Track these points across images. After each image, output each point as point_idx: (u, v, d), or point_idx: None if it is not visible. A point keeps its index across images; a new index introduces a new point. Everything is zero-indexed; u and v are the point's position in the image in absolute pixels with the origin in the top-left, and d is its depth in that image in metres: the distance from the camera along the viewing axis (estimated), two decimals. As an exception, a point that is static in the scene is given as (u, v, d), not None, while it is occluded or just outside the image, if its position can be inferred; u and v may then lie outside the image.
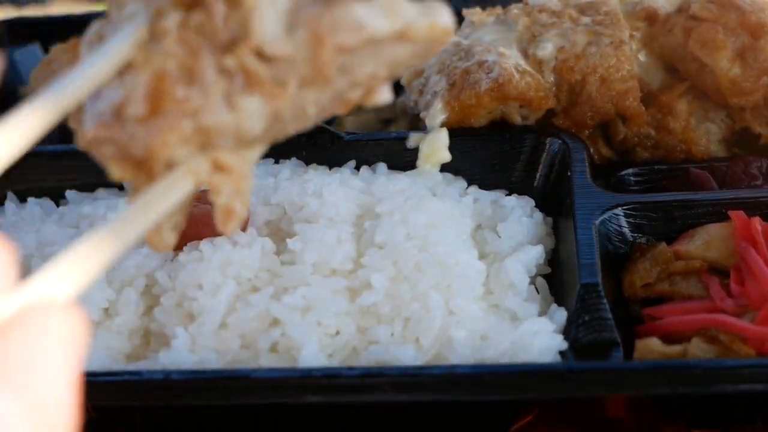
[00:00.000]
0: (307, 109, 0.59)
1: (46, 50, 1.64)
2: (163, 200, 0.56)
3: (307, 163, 1.26)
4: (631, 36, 1.32)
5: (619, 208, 1.14)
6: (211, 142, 0.58)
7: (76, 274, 0.49)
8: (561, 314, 1.03)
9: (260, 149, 0.63)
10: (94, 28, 0.62)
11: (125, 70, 0.58)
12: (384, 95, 0.61)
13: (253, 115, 0.57)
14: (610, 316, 1.00)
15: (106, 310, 1.07)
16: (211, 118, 0.57)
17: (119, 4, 0.62)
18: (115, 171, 0.59)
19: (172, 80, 0.57)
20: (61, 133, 1.47)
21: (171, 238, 0.62)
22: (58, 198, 1.29)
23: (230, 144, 0.58)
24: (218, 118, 0.57)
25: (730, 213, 1.09)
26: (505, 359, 0.99)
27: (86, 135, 0.58)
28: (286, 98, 0.57)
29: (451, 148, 1.22)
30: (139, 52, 0.58)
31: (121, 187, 1.30)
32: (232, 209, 0.61)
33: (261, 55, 0.57)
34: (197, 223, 1.12)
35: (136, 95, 0.57)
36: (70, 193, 1.29)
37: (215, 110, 0.57)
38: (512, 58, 1.28)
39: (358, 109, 1.37)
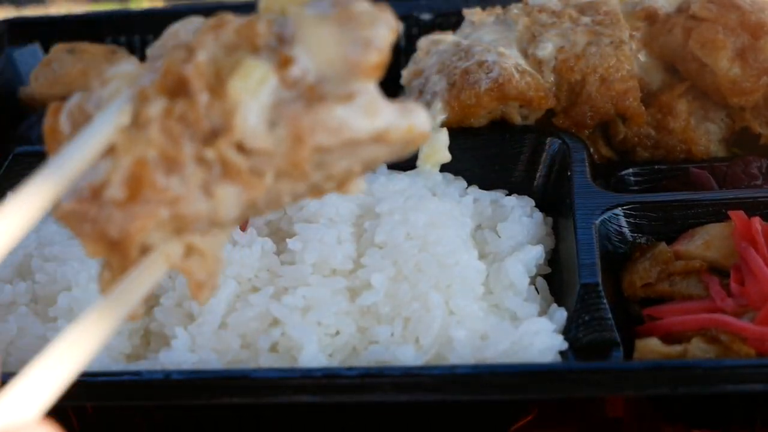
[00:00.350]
0: (281, 197, 0.61)
1: (46, 50, 1.64)
2: (139, 288, 0.58)
3: (307, 163, 1.26)
4: (631, 36, 1.32)
5: (619, 208, 1.14)
6: (186, 227, 0.59)
7: (52, 381, 0.50)
8: (561, 314, 1.03)
9: (231, 230, 0.64)
10: (75, 99, 0.63)
11: (107, 150, 0.59)
12: (358, 187, 0.63)
13: (229, 203, 0.59)
14: (610, 316, 1.00)
15: (106, 310, 1.07)
16: (189, 207, 0.58)
17: (103, 80, 0.62)
18: (89, 249, 0.59)
19: (152, 168, 0.58)
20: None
21: (141, 308, 0.63)
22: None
23: (204, 228, 0.59)
24: (195, 206, 0.58)
25: (730, 213, 1.09)
26: (505, 359, 0.99)
27: (63, 208, 0.59)
28: (262, 188, 0.59)
29: (451, 148, 1.22)
30: (121, 134, 0.59)
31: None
32: (203, 283, 0.62)
33: (241, 147, 0.58)
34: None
35: (116, 178, 0.58)
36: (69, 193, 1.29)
37: (193, 199, 0.58)
38: (512, 58, 1.28)
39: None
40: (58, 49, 1.60)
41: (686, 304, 1.04)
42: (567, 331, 1.01)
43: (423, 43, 1.38)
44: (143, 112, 0.58)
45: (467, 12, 1.42)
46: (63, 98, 1.61)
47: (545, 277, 1.13)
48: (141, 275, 0.58)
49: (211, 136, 0.58)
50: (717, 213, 1.12)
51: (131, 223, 0.57)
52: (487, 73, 1.25)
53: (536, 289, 1.11)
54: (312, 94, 0.58)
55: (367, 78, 0.58)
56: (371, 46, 0.58)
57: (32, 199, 0.53)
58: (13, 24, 1.70)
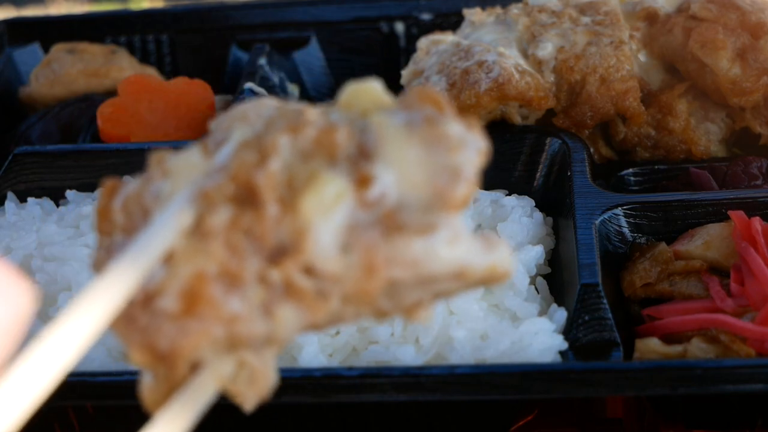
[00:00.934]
0: (344, 318, 0.56)
1: (46, 50, 1.64)
2: (190, 411, 0.54)
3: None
4: (631, 36, 1.32)
5: (619, 208, 1.14)
6: (240, 346, 0.54)
7: None
8: (561, 314, 1.03)
9: (284, 347, 0.59)
10: (133, 187, 0.57)
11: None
12: (427, 317, 0.57)
13: (289, 324, 0.54)
14: (610, 316, 1.00)
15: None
16: (246, 327, 0.53)
17: (164, 170, 0.56)
18: (135, 357, 0.54)
19: (211, 283, 0.53)
20: (61, 133, 1.47)
21: None
22: (58, 198, 1.29)
23: (258, 346, 0.55)
24: (253, 327, 0.53)
25: (730, 213, 1.09)
26: (505, 359, 0.99)
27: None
28: (326, 312, 0.54)
29: (451, 148, 1.22)
30: (181, 240, 0.54)
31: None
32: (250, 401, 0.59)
33: (308, 270, 0.53)
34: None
35: (171, 288, 0.53)
36: (70, 193, 1.29)
37: (251, 319, 0.53)
38: (512, 58, 1.28)
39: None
40: (58, 49, 1.60)
41: (686, 304, 1.04)
42: (567, 331, 1.01)
43: (423, 43, 1.38)
44: (207, 221, 0.53)
45: (467, 12, 1.42)
46: (63, 98, 1.60)
47: (545, 277, 1.13)
48: (190, 399, 0.54)
49: (277, 254, 0.53)
50: (717, 213, 1.12)
51: (183, 340, 0.53)
52: (487, 73, 1.25)
53: (536, 289, 1.11)
54: (390, 221, 0.53)
55: (451, 210, 0.53)
56: (460, 177, 0.53)
57: (95, 309, 0.49)
58: (13, 24, 1.70)
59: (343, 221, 0.53)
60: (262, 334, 0.54)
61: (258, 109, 0.58)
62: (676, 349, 0.99)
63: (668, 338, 1.01)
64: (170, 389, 0.56)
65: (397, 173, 0.53)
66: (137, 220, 0.56)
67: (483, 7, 1.44)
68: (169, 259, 0.53)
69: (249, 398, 0.56)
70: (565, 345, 1.00)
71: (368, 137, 0.54)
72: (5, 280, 0.38)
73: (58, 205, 1.28)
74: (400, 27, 1.67)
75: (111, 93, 1.45)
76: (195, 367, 0.55)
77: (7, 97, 1.60)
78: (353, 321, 0.56)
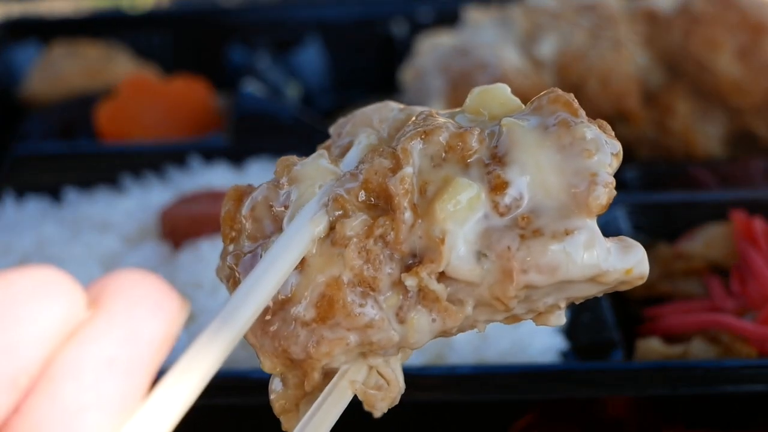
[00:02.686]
0: (476, 324, 0.55)
1: (45, 50, 1.64)
2: (327, 422, 0.53)
3: (307, 162, 1.26)
4: (631, 36, 1.32)
5: (619, 208, 1.14)
6: (372, 352, 0.54)
7: None
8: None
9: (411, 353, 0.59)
10: (261, 193, 0.57)
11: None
12: (560, 320, 0.57)
13: (422, 330, 0.53)
14: (610, 316, 1.00)
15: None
16: (379, 333, 0.53)
17: (291, 177, 0.56)
18: (267, 363, 0.54)
19: (346, 291, 0.53)
20: (60, 132, 1.47)
21: None
22: (57, 197, 1.29)
23: (389, 353, 0.55)
24: (386, 333, 0.53)
25: (730, 213, 1.09)
26: (505, 359, 0.99)
27: None
28: (460, 318, 0.53)
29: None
30: (314, 247, 0.53)
31: (120, 187, 1.30)
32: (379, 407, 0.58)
33: (443, 276, 0.53)
34: (197, 223, 1.12)
35: (305, 295, 0.53)
36: (69, 193, 1.28)
37: (385, 326, 0.53)
38: (511, 59, 1.28)
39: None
40: (58, 48, 1.60)
41: (687, 304, 1.04)
42: (567, 331, 1.01)
43: (423, 43, 1.38)
44: (341, 227, 0.53)
45: (467, 12, 1.42)
46: (62, 97, 1.60)
47: (545, 277, 1.13)
48: (327, 407, 0.54)
49: (412, 260, 0.53)
50: (717, 213, 1.12)
51: (317, 347, 0.52)
52: (486, 74, 1.25)
53: (536, 289, 1.11)
54: (526, 226, 0.52)
55: (589, 215, 0.52)
56: (598, 181, 0.52)
57: (238, 318, 0.48)
58: (12, 23, 1.70)
59: (479, 227, 0.52)
60: (395, 341, 0.53)
61: (381, 112, 0.58)
62: (677, 349, 0.99)
63: (669, 338, 1.01)
64: (300, 396, 0.56)
65: (532, 177, 0.53)
66: (267, 227, 0.56)
67: (483, 8, 1.44)
68: (302, 266, 0.53)
69: (380, 405, 0.56)
70: (565, 345, 1.00)
71: (500, 141, 0.54)
72: (159, 295, 0.38)
73: (57, 205, 1.28)
74: (399, 27, 1.67)
75: (110, 92, 1.45)
76: (328, 375, 0.55)
77: (6, 96, 1.60)
78: (483, 327, 0.56)
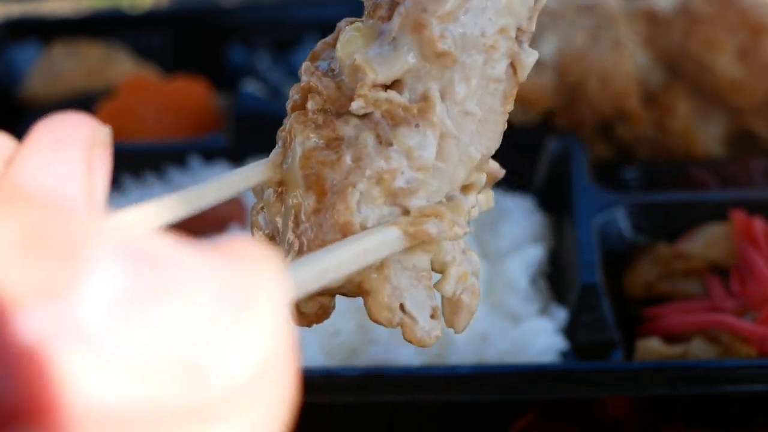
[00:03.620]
0: (466, 108, 0.56)
1: (45, 49, 1.64)
2: (370, 241, 0.52)
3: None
4: (631, 36, 1.32)
5: (619, 208, 1.14)
6: (399, 194, 0.54)
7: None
8: (561, 314, 1.03)
9: (473, 195, 0.58)
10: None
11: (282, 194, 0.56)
12: (531, 55, 0.58)
13: (417, 143, 0.54)
14: (610, 316, 1.00)
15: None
16: (375, 165, 0.53)
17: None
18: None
19: (319, 157, 0.54)
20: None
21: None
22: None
23: (423, 191, 0.54)
24: (381, 162, 0.53)
25: (730, 213, 1.09)
26: (505, 359, 0.99)
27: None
28: (433, 107, 0.54)
29: (451, 148, 1.22)
30: (278, 169, 0.56)
31: (120, 187, 1.30)
32: (460, 301, 0.58)
33: (385, 87, 0.54)
34: (198, 222, 1.12)
35: (298, 193, 0.54)
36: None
37: (374, 158, 0.53)
38: (512, 58, 1.28)
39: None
40: (58, 48, 1.60)
41: (687, 304, 1.04)
42: (567, 331, 1.01)
43: (423, 42, 1.38)
44: (288, 129, 0.56)
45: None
46: (62, 97, 1.60)
47: (546, 276, 1.13)
48: (373, 234, 0.52)
49: (348, 99, 0.55)
50: (717, 213, 1.12)
51: (335, 213, 0.52)
52: (487, 73, 1.25)
53: (536, 288, 1.11)
54: None
55: None
56: None
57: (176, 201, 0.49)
58: (12, 23, 1.70)
59: (373, 33, 0.56)
60: (398, 165, 0.54)
61: None
62: (677, 349, 0.99)
63: (669, 338, 1.01)
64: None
65: None
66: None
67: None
68: (280, 187, 0.56)
69: (467, 313, 0.56)
70: (565, 345, 1.00)
71: None
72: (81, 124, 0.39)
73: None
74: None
75: (110, 92, 1.45)
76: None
77: (6, 96, 1.60)
78: (486, 112, 0.57)
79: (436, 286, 0.57)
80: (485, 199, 0.62)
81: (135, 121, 1.42)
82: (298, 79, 0.60)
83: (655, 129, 1.31)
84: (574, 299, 1.02)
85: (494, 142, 0.58)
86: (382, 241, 0.52)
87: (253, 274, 0.33)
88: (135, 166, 1.31)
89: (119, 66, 1.57)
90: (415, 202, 0.54)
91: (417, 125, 0.54)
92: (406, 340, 0.56)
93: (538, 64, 1.29)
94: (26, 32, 1.68)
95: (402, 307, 0.55)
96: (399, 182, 0.54)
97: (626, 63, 1.28)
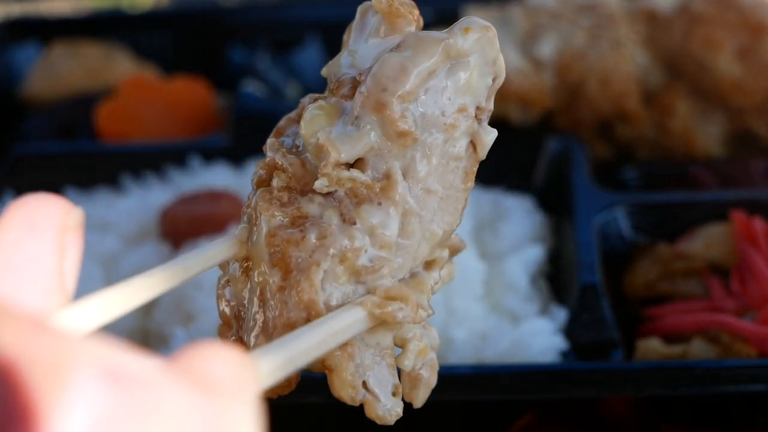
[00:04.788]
0: (428, 186, 0.57)
1: (45, 49, 1.64)
2: (336, 324, 0.52)
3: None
4: (631, 36, 1.32)
5: (619, 208, 1.14)
6: (363, 272, 0.55)
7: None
8: (561, 314, 1.03)
9: (436, 272, 0.59)
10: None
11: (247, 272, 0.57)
12: (489, 133, 0.60)
13: (377, 216, 0.55)
14: (610, 316, 1.00)
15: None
16: (339, 243, 0.54)
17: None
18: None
19: (284, 235, 0.54)
20: (60, 132, 1.47)
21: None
22: (57, 197, 1.29)
23: (387, 268, 0.55)
24: (345, 241, 0.54)
25: (730, 213, 1.09)
26: (505, 359, 0.99)
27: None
28: (395, 186, 0.55)
29: (451, 148, 1.22)
30: (244, 245, 0.56)
31: (120, 187, 1.30)
32: (419, 376, 0.59)
33: (348, 165, 0.55)
34: (197, 223, 1.12)
35: (265, 270, 0.54)
36: (70, 193, 1.28)
37: (338, 237, 0.54)
38: (511, 58, 1.28)
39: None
40: (58, 48, 1.60)
41: (687, 304, 1.04)
42: (567, 331, 1.01)
43: (423, 42, 1.38)
44: (252, 205, 0.57)
45: (466, 12, 1.42)
46: (62, 97, 1.60)
47: (546, 276, 1.13)
48: (339, 315, 0.53)
49: (312, 178, 0.56)
50: (717, 213, 1.12)
51: (300, 292, 0.53)
52: (487, 73, 1.25)
53: (536, 288, 1.11)
54: (363, 76, 0.57)
55: (410, 26, 0.59)
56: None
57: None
58: (12, 23, 1.70)
59: (336, 112, 0.57)
60: (362, 244, 0.54)
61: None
62: (677, 349, 0.99)
63: (669, 338, 1.01)
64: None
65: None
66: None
67: (483, 7, 1.43)
68: (246, 261, 0.56)
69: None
70: (565, 345, 1.00)
71: None
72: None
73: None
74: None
75: (110, 92, 1.45)
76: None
77: (6, 96, 1.60)
78: (447, 189, 0.58)
79: (396, 360, 0.58)
80: (447, 272, 0.63)
81: (135, 121, 1.42)
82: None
83: (655, 129, 1.31)
84: (574, 299, 1.02)
85: (456, 218, 0.59)
86: (348, 323, 0.53)
87: (228, 408, 0.34)
88: (135, 166, 1.31)
89: (119, 66, 1.57)
90: (380, 282, 0.55)
91: (380, 203, 0.55)
92: (367, 416, 0.57)
93: (538, 64, 1.29)
94: (26, 32, 1.68)
95: (365, 384, 0.56)
96: (362, 260, 0.54)
97: (626, 63, 1.28)
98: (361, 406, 0.59)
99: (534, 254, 1.12)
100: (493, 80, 0.58)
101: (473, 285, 1.06)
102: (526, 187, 1.24)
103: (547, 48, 1.29)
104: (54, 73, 1.56)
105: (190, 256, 0.52)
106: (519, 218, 1.17)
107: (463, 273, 1.06)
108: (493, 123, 1.28)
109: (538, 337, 1.00)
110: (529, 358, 0.98)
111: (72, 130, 1.45)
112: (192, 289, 1.04)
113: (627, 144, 1.31)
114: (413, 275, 0.58)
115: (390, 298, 0.54)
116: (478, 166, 0.60)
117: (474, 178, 0.59)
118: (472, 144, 0.59)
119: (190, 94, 1.47)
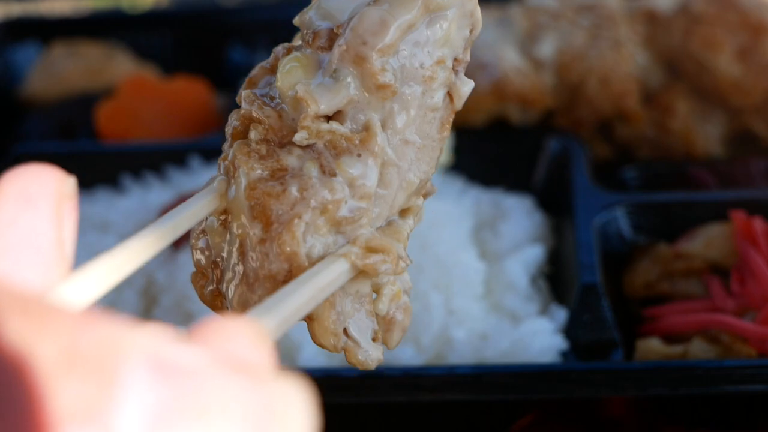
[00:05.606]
0: (406, 137, 0.57)
1: (45, 49, 1.64)
2: (323, 278, 0.52)
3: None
4: (631, 36, 1.32)
5: (619, 208, 1.14)
6: (343, 223, 0.55)
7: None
8: (561, 314, 1.03)
9: (411, 219, 0.59)
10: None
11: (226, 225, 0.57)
12: (468, 84, 0.59)
13: (360, 173, 0.55)
14: (610, 316, 1.00)
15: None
16: (319, 195, 0.54)
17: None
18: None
19: (264, 188, 0.54)
20: (60, 132, 1.47)
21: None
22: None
23: (366, 218, 0.55)
24: (325, 193, 0.54)
25: (731, 213, 1.09)
26: (505, 359, 0.99)
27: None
28: (374, 137, 0.55)
29: (450, 148, 1.22)
30: (223, 197, 0.56)
31: (120, 187, 1.30)
32: (392, 319, 0.59)
33: (327, 118, 0.55)
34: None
35: (245, 223, 0.54)
36: (69, 193, 1.28)
37: (318, 189, 0.54)
38: (511, 58, 1.28)
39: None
40: (58, 48, 1.60)
41: (687, 304, 1.04)
42: (567, 331, 1.01)
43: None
44: (230, 159, 0.56)
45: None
46: (62, 97, 1.60)
47: (546, 276, 1.13)
48: (320, 269, 0.53)
49: (290, 133, 0.56)
50: (717, 213, 1.12)
51: (281, 243, 0.53)
52: (487, 74, 1.25)
53: (536, 288, 1.11)
54: (342, 29, 0.56)
55: None
56: None
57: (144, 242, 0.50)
58: (12, 23, 1.70)
59: (313, 63, 0.57)
60: (342, 195, 0.55)
61: None
62: (677, 349, 0.99)
63: (669, 338, 1.01)
64: None
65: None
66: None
67: (482, 7, 1.43)
68: (225, 214, 0.56)
69: (399, 330, 0.57)
70: (565, 345, 1.00)
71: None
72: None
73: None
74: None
75: (110, 92, 1.45)
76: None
77: (6, 96, 1.60)
78: (425, 139, 0.58)
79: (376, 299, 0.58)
80: (417, 216, 0.63)
81: (135, 121, 1.41)
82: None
83: (655, 129, 1.31)
84: (574, 299, 1.02)
85: (432, 167, 0.59)
86: (334, 277, 0.53)
87: (281, 398, 0.34)
88: (135, 166, 1.31)
89: (119, 66, 1.57)
90: (359, 232, 0.55)
91: (359, 155, 0.55)
92: (348, 363, 0.57)
93: (538, 64, 1.29)
94: (26, 32, 1.68)
95: (345, 331, 0.56)
96: (343, 211, 0.55)
97: (626, 63, 1.28)
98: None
99: (534, 254, 1.12)
100: (471, 32, 0.59)
101: (473, 285, 1.06)
102: (526, 187, 1.24)
103: (547, 48, 1.29)
104: (54, 73, 1.56)
105: (175, 215, 0.52)
106: (519, 218, 1.17)
107: (463, 273, 1.06)
108: (493, 123, 1.29)
109: (538, 337, 1.00)
110: (529, 358, 0.98)
111: (72, 130, 1.45)
112: (192, 289, 1.04)
113: (627, 144, 1.31)
114: (389, 223, 0.58)
115: (372, 249, 0.55)
116: (454, 116, 0.60)
117: (450, 128, 0.60)
118: (449, 95, 0.59)
119: (190, 94, 1.47)
